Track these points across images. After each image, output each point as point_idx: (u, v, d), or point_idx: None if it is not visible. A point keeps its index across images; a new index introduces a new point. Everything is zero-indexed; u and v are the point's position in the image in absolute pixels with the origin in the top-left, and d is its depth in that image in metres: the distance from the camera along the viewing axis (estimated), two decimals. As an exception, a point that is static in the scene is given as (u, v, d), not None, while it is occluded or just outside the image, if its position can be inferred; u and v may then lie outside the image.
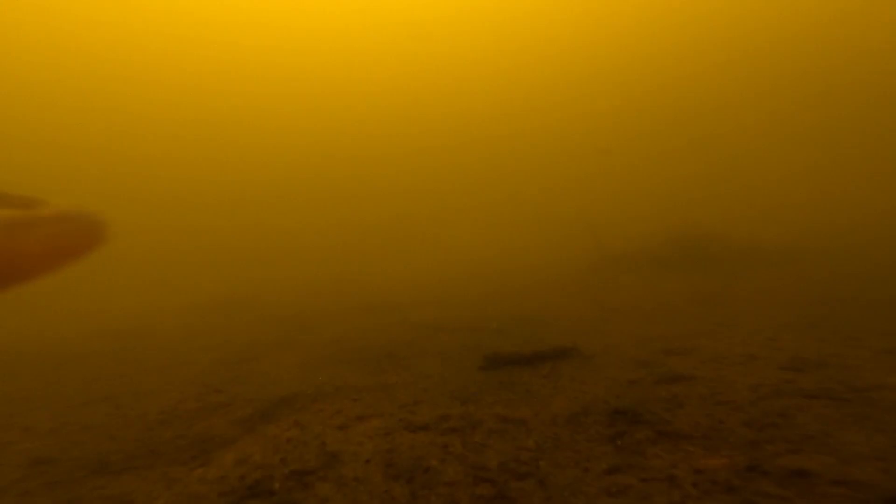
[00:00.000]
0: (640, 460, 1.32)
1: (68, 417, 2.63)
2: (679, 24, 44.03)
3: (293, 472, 1.50)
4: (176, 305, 10.41)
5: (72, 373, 4.10)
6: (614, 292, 5.52)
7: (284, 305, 8.15)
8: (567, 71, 51.33)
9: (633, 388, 1.95)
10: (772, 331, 2.78)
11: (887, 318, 2.77)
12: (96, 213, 0.97)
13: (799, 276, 4.99)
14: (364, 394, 2.35)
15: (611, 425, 1.58)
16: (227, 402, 2.55)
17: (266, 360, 3.65)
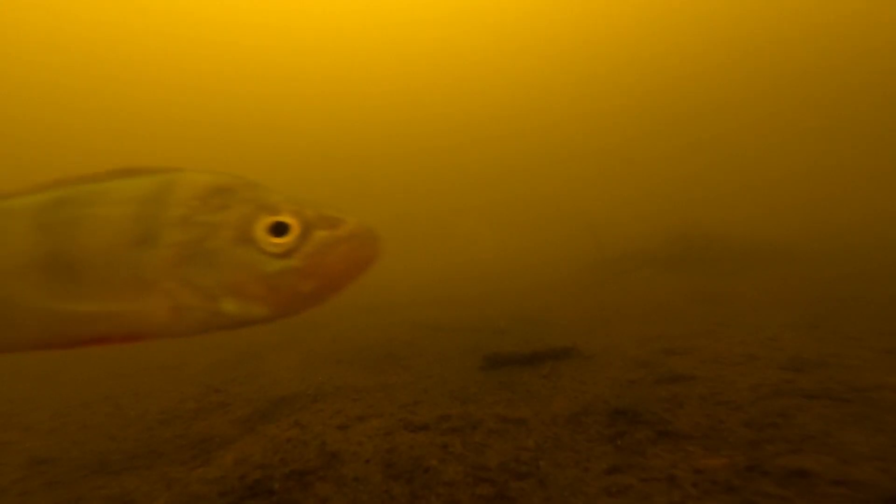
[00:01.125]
0: (640, 460, 1.32)
1: (68, 417, 2.63)
2: (680, 25, 44.05)
3: (293, 472, 1.50)
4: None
5: (72, 373, 4.10)
6: (614, 292, 5.52)
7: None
8: (568, 71, 51.35)
9: (633, 388, 1.96)
10: (772, 331, 2.78)
11: (887, 318, 2.77)
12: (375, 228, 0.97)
13: (799, 276, 4.99)
14: (364, 394, 2.35)
15: (611, 425, 1.58)
16: (227, 402, 2.55)
17: (266, 360, 3.65)
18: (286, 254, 0.88)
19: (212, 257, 0.88)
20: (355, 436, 1.75)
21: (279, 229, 0.88)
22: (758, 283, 4.89)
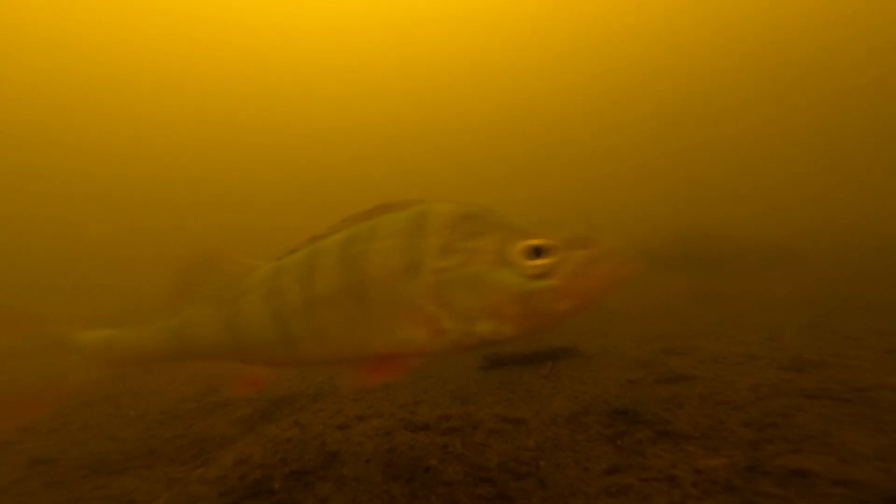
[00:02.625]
0: (640, 460, 1.32)
1: (68, 417, 2.63)
2: (681, 26, 44.04)
3: (293, 471, 1.50)
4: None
5: (72, 373, 4.09)
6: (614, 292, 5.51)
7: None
8: (569, 72, 51.33)
9: (633, 388, 1.95)
10: (772, 331, 2.78)
11: (887, 318, 2.77)
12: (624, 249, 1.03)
13: (799, 276, 4.99)
14: (364, 394, 2.35)
15: (611, 425, 1.58)
16: (227, 402, 2.55)
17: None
18: (543, 275, 0.94)
19: (471, 281, 0.96)
20: (355, 436, 1.75)
21: (536, 252, 0.94)
22: (758, 283, 4.89)
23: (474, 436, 1.63)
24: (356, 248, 1.07)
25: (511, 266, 0.95)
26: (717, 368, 2.08)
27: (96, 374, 1.37)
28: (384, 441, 1.67)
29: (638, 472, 1.26)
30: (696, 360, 2.25)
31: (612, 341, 2.96)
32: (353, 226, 1.14)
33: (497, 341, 1.01)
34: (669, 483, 1.18)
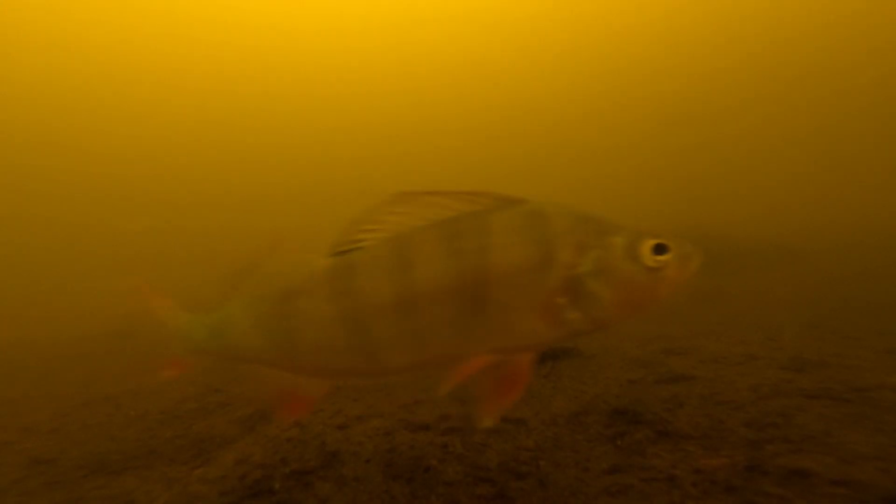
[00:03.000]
0: (640, 460, 1.32)
1: (68, 417, 2.63)
2: (681, 26, 44.02)
3: (293, 471, 1.50)
4: (175, 306, 10.39)
5: (72, 373, 4.10)
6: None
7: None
8: (569, 72, 51.29)
9: (633, 388, 1.95)
10: (772, 331, 2.78)
11: (887, 318, 2.77)
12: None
13: (799, 275, 4.99)
14: (364, 394, 2.35)
15: (611, 425, 1.58)
16: (227, 402, 2.55)
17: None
18: (659, 269, 1.06)
19: (604, 274, 1.04)
20: (355, 436, 1.75)
21: (658, 249, 1.06)
22: (758, 283, 4.89)
23: (474, 436, 1.63)
24: (468, 245, 1.05)
25: (637, 261, 1.05)
26: (717, 368, 2.08)
27: (194, 356, 1.28)
28: (384, 441, 1.67)
29: (638, 472, 1.26)
30: (696, 360, 2.25)
31: (612, 341, 2.96)
32: (454, 220, 1.09)
33: (609, 326, 1.10)
34: (669, 483, 1.18)
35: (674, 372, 2.07)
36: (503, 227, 1.06)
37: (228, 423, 2.20)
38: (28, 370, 4.42)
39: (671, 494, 1.14)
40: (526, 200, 1.12)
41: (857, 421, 1.38)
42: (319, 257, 1.17)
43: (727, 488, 1.12)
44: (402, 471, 1.43)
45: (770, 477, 1.14)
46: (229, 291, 1.26)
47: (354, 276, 1.09)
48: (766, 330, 2.80)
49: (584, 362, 2.47)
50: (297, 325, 1.13)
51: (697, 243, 1.12)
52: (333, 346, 1.11)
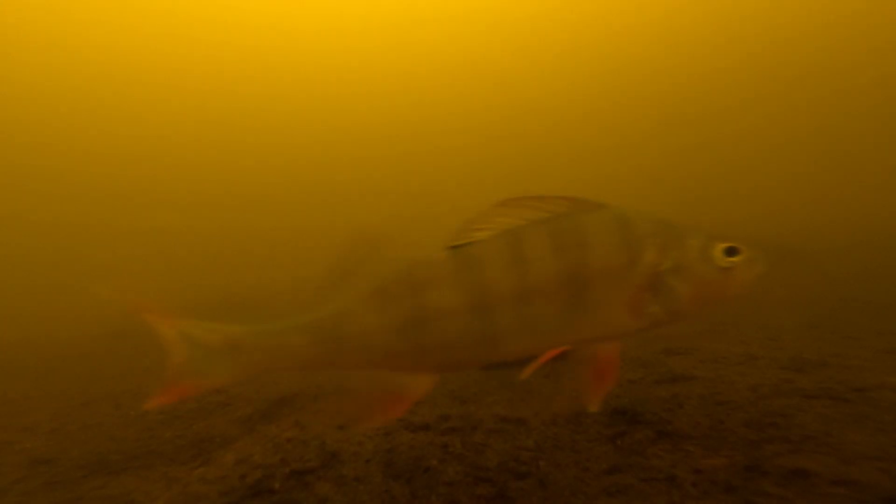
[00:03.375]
0: (640, 460, 1.32)
1: (68, 417, 2.63)
2: (681, 26, 44.02)
3: (293, 471, 1.50)
4: (176, 306, 10.39)
5: (72, 373, 4.10)
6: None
7: (286, 306, 8.16)
8: (571, 71, 51.29)
9: (633, 388, 1.95)
10: (772, 331, 2.78)
11: (887, 318, 2.77)
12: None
13: (799, 275, 4.99)
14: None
15: (611, 425, 1.58)
16: (227, 402, 2.55)
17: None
18: (730, 269, 1.18)
19: (683, 273, 1.17)
20: (355, 436, 1.75)
21: (730, 251, 1.18)
22: (758, 283, 4.88)
23: (474, 436, 1.63)
24: (570, 244, 1.16)
25: (713, 261, 1.18)
26: (717, 368, 2.08)
27: (227, 372, 1.21)
28: (384, 441, 1.67)
29: (638, 472, 1.26)
30: (696, 360, 2.25)
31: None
32: (554, 220, 1.21)
33: (683, 321, 1.22)
34: (669, 483, 1.18)
35: (674, 372, 2.07)
36: (597, 230, 1.18)
37: (228, 423, 2.20)
38: (28, 370, 4.43)
39: (671, 494, 1.14)
40: (608, 205, 1.24)
41: (857, 421, 1.38)
42: (432, 253, 1.24)
43: (727, 488, 1.12)
44: (402, 471, 1.43)
45: (770, 477, 1.14)
46: (328, 291, 1.24)
47: (477, 271, 1.17)
48: (766, 330, 2.80)
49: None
50: (427, 317, 1.17)
51: (767, 248, 1.25)
52: (461, 337, 1.17)
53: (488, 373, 2.50)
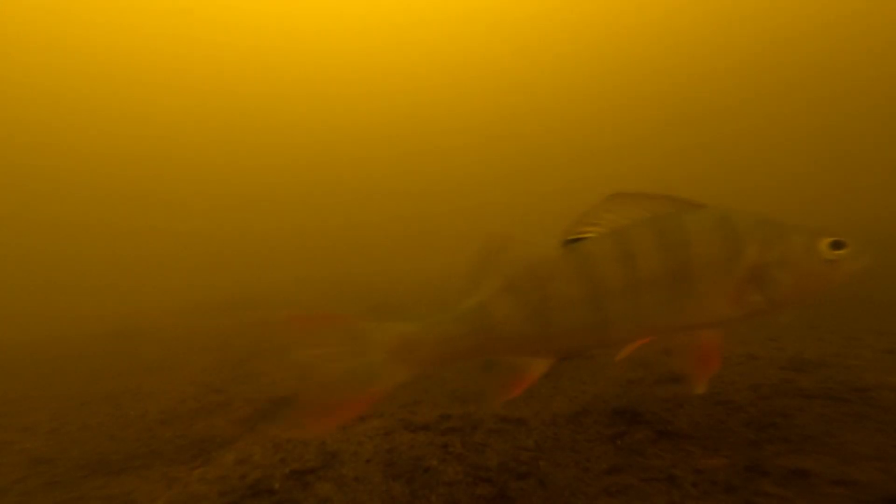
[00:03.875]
0: (640, 460, 1.32)
1: (68, 417, 2.63)
2: (681, 26, 44.01)
3: (293, 471, 1.50)
4: (176, 306, 10.41)
5: (72, 373, 4.10)
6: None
7: (286, 306, 8.16)
8: (571, 71, 51.25)
9: (633, 388, 1.95)
10: (772, 331, 2.78)
11: (887, 318, 2.77)
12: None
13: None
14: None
15: (611, 425, 1.58)
16: (227, 402, 2.55)
17: (266, 360, 3.65)
18: (834, 261, 1.27)
19: (786, 266, 1.26)
20: (355, 436, 1.75)
21: (836, 245, 1.27)
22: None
23: (474, 436, 1.63)
24: (675, 240, 1.29)
25: (818, 254, 1.26)
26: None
27: (402, 371, 1.28)
28: (384, 441, 1.67)
29: (638, 472, 1.26)
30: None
31: (612, 341, 2.96)
32: (655, 219, 1.34)
33: (782, 310, 1.31)
34: (669, 483, 1.18)
35: (674, 372, 2.07)
36: (699, 227, 1.31)
37: (228, 423, 2.20)
38: (28, 370, 4.43)
39: (671, 494, 1.14)
40: (708, 205, 1.38)
41: (857, 421, 1.38)
42: (551, 248, 1.38)
43: (727, 488, 1.12)
44: (402, 471, 1.43)
45: (770, 477, 1.14)
46: (471, 286, 1.38)
47: (593, 264, 1.31)
48: (766, 330, 2.80)
49: (584, 362, 2.47)
50: (554, 306, 1.30)
51: (870, 243, 1.35)
52: (580, 324, 1.30)
53: (488, 373, 2.50)
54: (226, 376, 3.24)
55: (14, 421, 2.66)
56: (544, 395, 2.01)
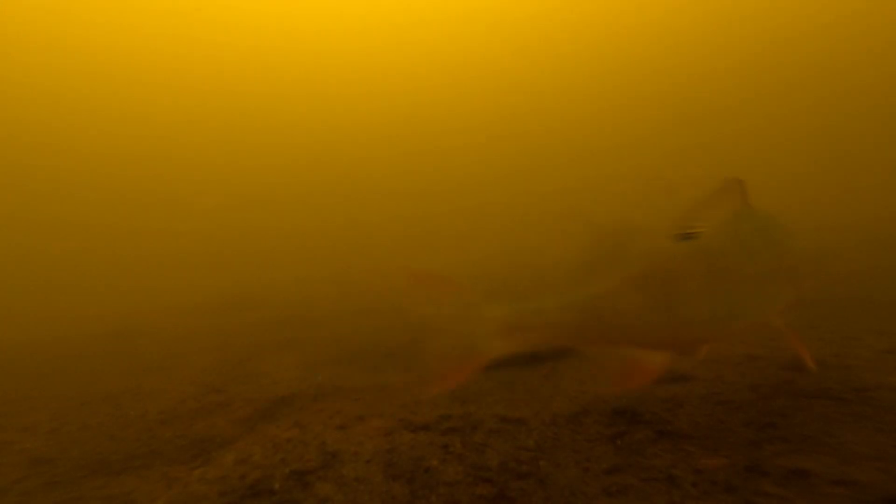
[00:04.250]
0: (640, 460, 1.32)
1: (68, 417, 2.63)
2: (681, 26, 44.00)
3: (293, 471, 1.50)
4: (176, 306, 10.41)
5: (72, 373, 4.10)
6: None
7: (285, 306, 8.16)
8: (571, 71, 51.23)
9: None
10: (772, 331, 2.77)
11: (887, 318, 2.77)
12: None
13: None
14: (364, 394, 2.35)
15: (611, 425, 1.58)
16: (227, 402, 2.55)
17: (266, 360, 3.65)
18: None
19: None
20: (355, 436, 1.75)
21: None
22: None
23: (474, 436, 1.63)
24: (773, 237, 1.48)
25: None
26: (717, 368, 2.08)
27: (503, 347, 1.30)
28: (384, 441, 1.67)
29: (638, 472, 1.26)
30: (696, 360, 2.25)
31: (612, 341, 2.96)
32: (742, 219, 1.53)
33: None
34: (669, 483, 1.18)
35: (674, 372, 2.07)
36: (779, 225, 1.50)
37: (228, 423, 2.20)
38: (28, 370, 4.43)
39: (671, 494, 1.14)
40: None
41: (857, 421, 1.38)
42: (668, 242, 1.47)
43: (727, 488, 1.12)
44: (402, 471, 1.43)
45: (770, 477, 1.14)
46: (584, 276, 1.42)
47: (718, 259, 1.40)
48: (767, 330, 2.80)
49: (585, 362, 2.47)
50: (682, 300, 1.34)
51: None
52: (700, 317, 1.34)
53: (488, 373, 2.50)
54: (226, 376, 3.24)
55: (14, 421, 2.66)
56: (544, 395, 2.01)
